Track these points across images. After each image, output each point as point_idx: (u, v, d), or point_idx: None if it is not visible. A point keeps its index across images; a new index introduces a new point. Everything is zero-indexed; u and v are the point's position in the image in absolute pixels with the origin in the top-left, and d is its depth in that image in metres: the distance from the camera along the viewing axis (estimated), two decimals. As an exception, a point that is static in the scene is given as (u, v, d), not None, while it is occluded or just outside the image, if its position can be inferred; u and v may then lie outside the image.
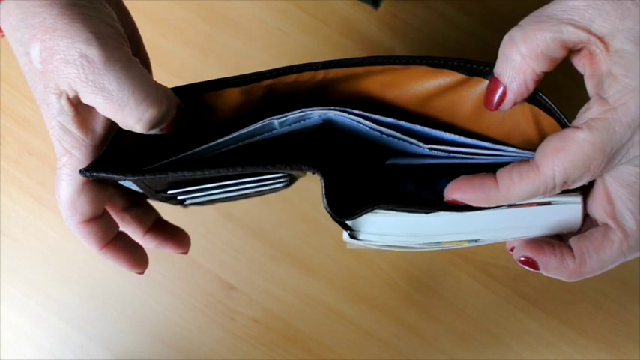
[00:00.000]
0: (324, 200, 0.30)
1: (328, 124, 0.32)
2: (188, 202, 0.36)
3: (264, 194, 0.40)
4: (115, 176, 0.28)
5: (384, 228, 0.32)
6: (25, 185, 0.49)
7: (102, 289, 0.48)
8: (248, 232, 0.48)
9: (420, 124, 0.30)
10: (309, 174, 0.34)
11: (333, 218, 0.31)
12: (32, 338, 0.47)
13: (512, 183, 0.27)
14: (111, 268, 0.48)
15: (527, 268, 0.29)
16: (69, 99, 0.26)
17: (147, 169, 0.28)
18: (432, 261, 0.48)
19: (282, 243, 0.48)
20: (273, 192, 0.41)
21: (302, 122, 0.31)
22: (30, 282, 0.48)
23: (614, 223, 0.27)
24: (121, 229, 0.32)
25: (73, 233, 0.30)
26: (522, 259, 0.29)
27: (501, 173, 0.28)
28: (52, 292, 0.48)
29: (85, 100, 0.26)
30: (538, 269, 0.29)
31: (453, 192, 0.29)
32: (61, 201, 0.29)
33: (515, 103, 0.28)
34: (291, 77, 0.31)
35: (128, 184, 0.31)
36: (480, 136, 0.32)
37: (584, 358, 0.47)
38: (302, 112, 0.30)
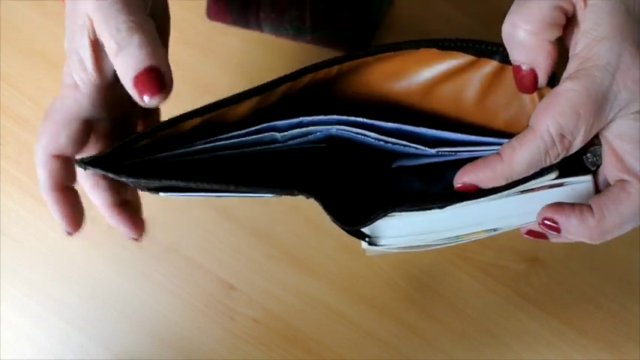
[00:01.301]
0: (329, 217, 0.30)
1: (330, 137, 0.32)
2: (180, 197, 0.36)
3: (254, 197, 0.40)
4: (110, 175, 0.28)
5: (402, 229, 0.32)
6: (25, 185, 0.49)
7: (102, 289, 0.48)
8: (248, 232, 0.48)
9: (424, 123, 0.30)
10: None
11: (345, 230, 0.31)
12: (32, 338, 0.47)
13: (514, 151, 0.27)
14: (111, 268, 0.48)
15: (549, 232, 0.29)
16: (90, 37, 0.27)
17: (140, 172, 0.28)
18: (432, 261, 0.48)
19: (282, 243, 0.48)
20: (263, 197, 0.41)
21: (304, 138, 0.31)
22: (30, 282, 0.48)
23: (629, 175, 0.27)
24: (91, 188, 0.32)
25: (34, 157, 0.30)
26: (544, 222, 0.29)
27: (503, 147, 0.28)
28: (52, 292, 0.48)
29: (98, 32, 0.26)
30: (560, 231, 0.29)
31: (462, 177, 0.29)
32: (45, 124, 0.30)
33: (550, 75, 0.28)
34: (307, 79, 0.31)
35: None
36: (484, 128, 0.32)
37: (584, 358, 0.47)
38: (302, 121, 0.30)
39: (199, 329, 0.47)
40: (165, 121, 0.29)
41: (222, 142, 0.30)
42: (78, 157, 0.29)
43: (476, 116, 0.32)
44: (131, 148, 0.29)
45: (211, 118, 0.30)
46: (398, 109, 0.33)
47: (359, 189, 0.35)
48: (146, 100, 0.26)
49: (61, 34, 0.51)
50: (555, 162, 0.28)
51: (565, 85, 0.27)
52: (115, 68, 0.27)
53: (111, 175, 0.28)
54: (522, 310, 0.47)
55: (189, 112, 0.29)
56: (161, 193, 0.32)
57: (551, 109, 0.27)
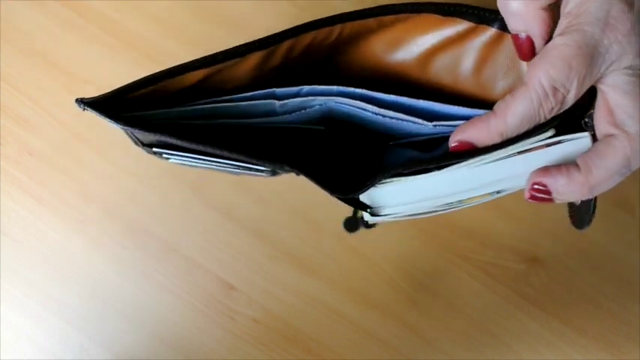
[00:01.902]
0: (324, 189, 0.30)
1: (329, 114, 0.32)
2: (172, 160, 0.36)
3: (247, 175, 0.40)
4: (107, 119, 0.28)
5: (403, 197, 0.31)
6: (25, 185, 0.49)
7: (102, 289, 0.48)
8: (248, 232, 0.48)
9: (422, 97, 0.30)
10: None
11: (343, 200, 0.31)
12: (32, 338, 0.47)
13: (507, 105, 0.28)
14: (111, 268, 0.48)
15: (541, 196, 0.29)
16: None
17: (138, 122, 0.28)
18: (433, 261, 0.48)
19: (282, 243, 0.48)
20: (257, 176, 0.40)
21: (303, 112, 0.31)
22: (30, 282, 0.48)
23: (616, 129, 0.28)
24: None
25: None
26: (534, 187, 0.29)
27: (497, 103, 0.28)
28: (52, 292, 0.48)
29: None
30: (551, 195, 0.29)
31: (456, 135, 0.29)
32: None
33: (547, 41, 0.28)
34: (309, 37, 0.31)
35: (116, 126, 0.30)
36: (482, 101, 0.32)
37: (584, 358, 0.47)
38: (301, 89, 0.30)
39: (199, 329, 0.47)
40: (165, 71, 0.29)
41: (221, 105, 0.29)
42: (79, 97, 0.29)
43: (474, 88, 0.33)
44: (126, 96, 0.29)
45: (212, 75, 0.30)
46: (397, 84, 0.33)
47: (355, 165, 0.35)
48: None
49: (61, 34, 0.52)
50: (550, 117, 0.28)
51: (556, 40, 0.27)
52: None
53: (107, 120, 0.28)
54: (522, 310, 0.47)
55: (191, 61, 0.29)
56: (154, 149, 0.32)
57: (542, 63, 0.27)
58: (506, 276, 0.47)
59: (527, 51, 0.28)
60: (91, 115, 0.51)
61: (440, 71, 0.33)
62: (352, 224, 0.48)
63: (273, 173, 0.37)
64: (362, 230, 0.48)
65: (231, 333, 0.47)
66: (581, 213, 0.33)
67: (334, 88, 0.30)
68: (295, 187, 0.49)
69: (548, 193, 0.29)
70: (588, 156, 0.28)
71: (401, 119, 0.30)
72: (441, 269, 0.48)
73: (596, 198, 0.31)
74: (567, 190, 0.29)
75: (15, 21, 0.50)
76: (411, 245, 0.48)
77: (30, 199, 0.49)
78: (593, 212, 0.31)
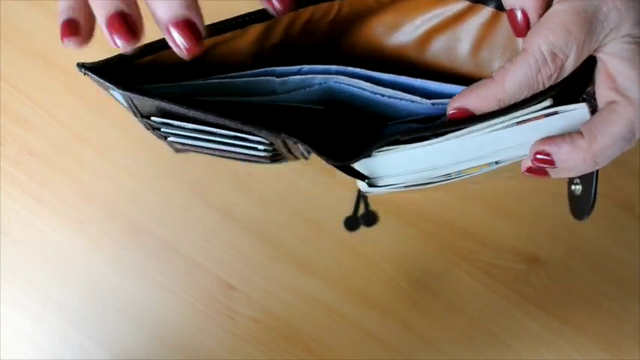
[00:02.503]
0: (321, 157, 0.29)
1: (329, 95, 0.32)
2: (171, 138, 0.36)
3: (247, 160, 0.40)
4: (106, 83, 0.28)
5: (401, 167, 0.31)
6: (25, 185, 0.49)
7: (102, 289, 0.48)
8: (248, 232, 0.48)
9: (421, 77, 0.30)
10: (297, 150, 0.34)
11: (340, 167, 0.30)
12: (32, 338, 0.47)
13: (506, 71, 0.27)
14: (111, 268, 0.48)
15: (542, 166, 0.29)
16: None
17: (135, 88, 0.28)
18: (433, 261, 0.48)
19: (282, 243, 0.48)
20: (256, 161, 0.40)
21: (302, 91, 0.31)
22: (30, 282, 0.48)
23: (619, 95, 0.28)
24: None
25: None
26: (537, 156, 0.29)
27: (496, 70, 0.28)
28: (52, 292, 0.48)
29: None
30: (553, 163, 0.29)
31: (454, 102, 0.29)
32: None
33: (540, 15, 0.28)
34: (308, 13, 0.31)
35: (118, 96, 0.30)
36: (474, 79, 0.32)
37: (584, 358, 0.47)
38: (301, 68, 0.30)
39: (199, 329, 0.47)
40: (163, 39, 0.29)
41: (220, 81, 0.29)
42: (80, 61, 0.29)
43: (471, 68, 0.33)
44: (127, 65, 0.29)
45: (212, 49, 0.29)
46: (397, 66, 0.34)
47: (353, 138, 0.35)
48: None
49: (61, 34, 0.51)
50: (548, 85, 0.28)
51: (554, 7, 0.27)
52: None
53: (107, 86, 0.28)
54: (522, 310, 0.47)
55: None
56: (153, 119, 0.32)
57: (541, 29, 0.27)
58: (506, 276, 0.47)
59: (523, 26, 0.28)
60: (91, 115, 0.51)
61: (437, 53, 0.33)
62: (352, 224, 0.48)
63: (273, 155, 0.37)
64: (362, 230, 0.48)
65: (231, 333, 0.47)
66: (581, 203, 0.32)
67: (333, 67, 0.31)
68: (295, 188, 0.49)
69: (551, 162, 0.29)
70: (592, 123, 0.28)
71: (399, 98, 0.30)
72: (441, 269, 0.48)
73: (596, 188, 0.31)
74: (570, 157, 0.28)
75: (15, 21, 0.50)
76: (411, 245, 0.48)
77: (30, 199, 0.49)
78: (594, 202, 0.31)
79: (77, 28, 0.26)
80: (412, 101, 0.30)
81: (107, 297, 0.48)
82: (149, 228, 0.48)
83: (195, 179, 0.49)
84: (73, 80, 0.50)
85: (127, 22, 0.26)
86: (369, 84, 0.30)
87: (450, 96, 0.30)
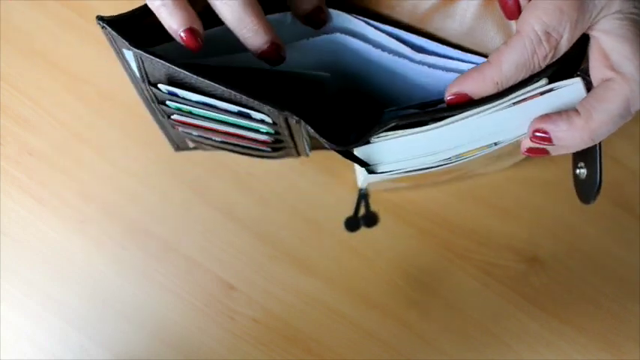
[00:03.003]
0: (322, 139, 0.30)
1: (335, 56, 0.33)
2: (174, 116, 0.36)
3: (249, 148, 0.40)
4: (121, 39, 0.29)
5: (400, 153, 0.32)
6: (25, 185, 0.49)
7: (102, 289, 0.48)
8: (248, 232, 0.48)
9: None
10: (299, 137, 0.34)
11: (340, 152, 0.31)
12: (32, 338, 0.47)
13: (502, 53, 0.28)
14: (111, 268, 0.48)
15: (541, 144, 0.29)
16: None
17: (149, 50, 0.29)
18: (432, 261, 0.48)
19: (282, 243, 0.48)
20: (258, 151, 0.40)
21: (310, 41, 0.32)
22: (30, 282, 0.48)
23: (613, 72, 0.28)
24: None
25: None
26: (535, 134, 0.29)
27: (491, 53, 0.29)
28: (52, 292, 0.48)
29: None
30: (551, 140, 0.29)
31: (452, 87, 0.29)
32: None
33: None
34: None
35: (129, 56, 0.31)
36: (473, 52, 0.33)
37: (584, 358, 0.47)
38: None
39: (199, 329, 0.47)
40: None
41: (227, 33, 0.30)
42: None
43: (466, 46, 0.33)
44: (141, 21, 0.30)
45: None
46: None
47: (353, 125, 0.36)
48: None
49: (61, 34, 0.52)
50: (544, 65, 0.28)
51: None
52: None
53: (122, 41, 0.29)
54: (522, 310, 0.47)
55: None
56: (160, 87, 0.32)
57: (534, 9, 0.27)
58: (506, 276, 0.47)
59: (514, 9, 0.29)
60: (91, 115, 0.51)
61: (438, 31, 0.34)
62: (353, 224, 0.48)
63: (275, 140, 0.37)
64: (362, 230, 0.48)
65: (231, 333, 0.47)
66: (587, 187, 0.33)
67: (335, 10, 0.32)
68: (295, 188, 0.49)
69: (549, 140, 0.29)
70: (587, 101, 0.28)
71: (394, 52, 0.31)
72: (440, 269, 0.48)
73: (601, 171, 0.31)
74: (568, 135, 0.28)
75: (15, 21, 0.50)
76: (411, 245, 0.48)
77: (30, 199, 0.49)
78: (599, 186, 0.31)
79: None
80: (405, 56, 0.31)
81: (107, 297, 0.48)
82: (149, 228, 0.48)
83: (196, 179, 0.49)
84: (73, 80, 0.50)
85: None
86: (372, 29, 0.31)
87: (444, 56, 0.31)
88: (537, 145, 0.30)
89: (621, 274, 0.47)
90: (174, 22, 0.29)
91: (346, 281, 0.48)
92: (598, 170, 0.31)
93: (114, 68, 0.36)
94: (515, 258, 0.48)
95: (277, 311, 0.47)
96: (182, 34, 0.29)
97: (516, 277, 0.47)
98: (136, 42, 0.29)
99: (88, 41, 0.50)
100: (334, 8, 0.32)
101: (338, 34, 0.32)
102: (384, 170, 0.32)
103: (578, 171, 0.33)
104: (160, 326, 0.47)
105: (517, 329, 0.47)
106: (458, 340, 0.47)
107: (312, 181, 0.49)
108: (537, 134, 0.29)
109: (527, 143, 0.31)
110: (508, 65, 0.28)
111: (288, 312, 0.47)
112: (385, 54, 0.32)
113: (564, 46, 0.28)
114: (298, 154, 0.42)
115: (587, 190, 0.33)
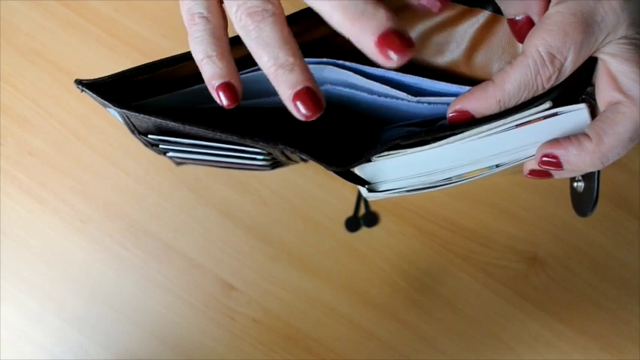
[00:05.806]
0: (320, 163, 0.29)
1: (326, 98, 0.32)
2: (170, 154, 0.36)
3: (247, 169, 0.40)
4: (101, 100, 0.28)
5: (402, 172, 0.31)
6: (25, 185, 0.49)
7: (102, 289, 0.48)
8: (248, 232, 0.48)
9: (411, 73, 0.31)
10: (296, 157, 0.34)
11: (339, 174, 0.30)
12: (32, 338, 0.47)
13: (506, 73, 0.28)
14: (111, 268, 0.48)
15: (550, 169, 0.29)
16: None
17: (132, 105, 0.28)
18: (432, 261, 0.48)
19: (282, 243, 0.48)
20: (256, 169, 0.40)
21: None
22: (30, 282, 0.48)
23: (622, 95, 0.28)
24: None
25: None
26: (544, 159, 0.29)
27: (495, 73, 0.28)
28: (52, 292, 0.48)
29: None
30: (560, 165, 0.29)
31: (454, 105, 0.29)
32: None
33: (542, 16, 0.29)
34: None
35: (114, 113, 0.30)
36: (473, 81, 0.32)
37: (585, 358, 0.47)
38: None
39: (199, 329, 0.47)
40: (167, 58, 0.29)
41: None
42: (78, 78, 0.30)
43: (467, 71, 0.33)
44: (129, 80, 0.29)
45: None
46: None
47: (351, 143, 0.36)
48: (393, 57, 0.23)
49: (61, 34, 0.52)
50: (548, 87, 0.28)
51: (551, 10, 0.27)
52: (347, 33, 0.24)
53: (103, 103, 0.28)
54: (522, 310, 0.47)
55: (187, 52, 0.29)
56: (150, 137, 0.32)
57: (539, 32, 0.27)
58: (506, 276, 0.47)
59: (526, 32, 0.29)
60: (91, 115, 0.51)
61: (433, 55, 0.33)
62: (353, 224, 0.48)
63: (272, 163, 0.37)
64: (362, 230, 0.48)
65: (231, 333, 0.47)
66: (583, 200, 0.32)
67: (324, 59, 0.31)
68: (295, 188, 0.49)
69: (558, 165, 0.29)
70: (597, 124, 0.28)
71: (394, 97, 0.31)
72: (441, 269, 0.48)
73: (598, 184, 0.31)
74: (579, 160, 0.28)
75: (15, 21, 0.50)
76: (411, 245, 0.48)
77: (30, 199, 0.49)
78: (596, 199, 0.31)
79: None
80: (399, 98, 0.30)
81: (107, 297, 0.48)
82: (149, 228, 0.48)
83: (196, 179, 0.49)
84: (73, 80, 0.50)
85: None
86: (359, 76, 0.30)
87: (439, 94, 0.30)
88: (545, 168, 0.30)
89: (621, 275, 0.47)
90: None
91: (346, 281, 0.48)
92: (596, 185, 0.31)
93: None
94: (516, 258, 0.48)
95: (277, 311, 0.47)
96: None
97: (516, 278, 0.47)
98: (119, 96, 0.28)
99: (88, 41, 0.50)
100: (322, 54, 0.32)
101: (329, 86, 0.31)
102: (385, 189, 0.32)
103: (575, 184, 0.33)
104: (160, 326, 0.47)
105: (517, 329, 0.47)
106: (458, 340, 0.47)
107: (312, 181, 0.49)
108: (545, 159, 0.29)
109: (530, 165, 0.31)
110: (511, 84, 0.28)
111: (288, 312, 0.47)
112: (380, 98, 0.32)
113: (569, 68, 0.27)
114: (297, 162, 0.42)
115: (583, 204, 0.33)
